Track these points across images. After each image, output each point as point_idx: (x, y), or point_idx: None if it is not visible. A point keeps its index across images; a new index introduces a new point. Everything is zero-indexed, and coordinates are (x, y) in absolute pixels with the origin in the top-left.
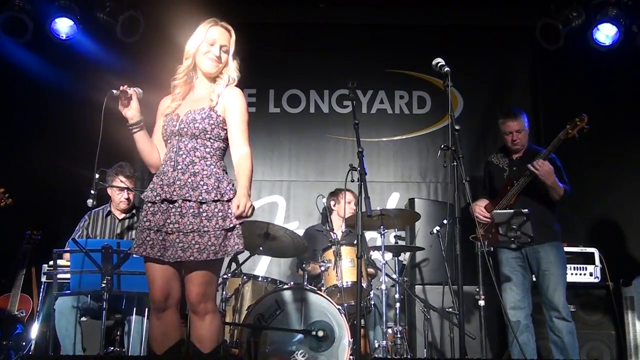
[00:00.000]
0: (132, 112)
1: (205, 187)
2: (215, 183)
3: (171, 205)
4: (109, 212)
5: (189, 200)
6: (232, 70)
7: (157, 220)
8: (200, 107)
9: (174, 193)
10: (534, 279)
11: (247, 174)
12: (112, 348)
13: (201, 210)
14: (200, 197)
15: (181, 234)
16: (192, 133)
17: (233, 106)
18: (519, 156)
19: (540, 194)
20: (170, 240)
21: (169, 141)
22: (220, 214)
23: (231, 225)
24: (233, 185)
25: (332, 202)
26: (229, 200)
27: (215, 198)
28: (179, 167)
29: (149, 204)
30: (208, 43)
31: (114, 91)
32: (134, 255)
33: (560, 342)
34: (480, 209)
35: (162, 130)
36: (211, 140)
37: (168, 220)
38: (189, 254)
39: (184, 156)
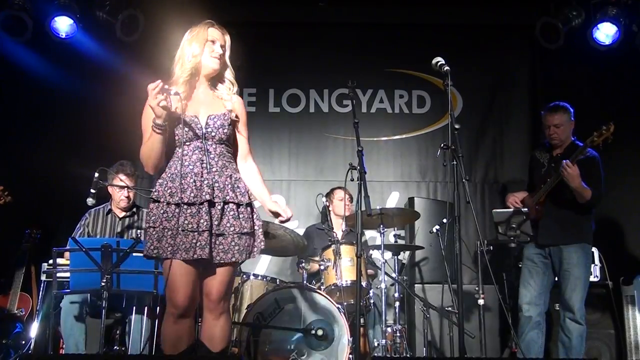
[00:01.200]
0: (166, 112)
1: (239, 189)
2: (244, 186)
3: (210, 207)
4: (110, 211)
5: (229, 202)
6: (229, 72)
7: (198, 222)
8: (221, 112)
9: (215, 195)
10: (557, 279)
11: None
12: (112, 347)
13: (239, 212)
14: (237, 199)
15: (221, 237)
16: (220, 138)
17: (242, 116)
18: (559, 152)
19: (571, 194)
20: (213, 242)
21: (188, 143)
22: (251, 215)
23: (256, 228)
24: None
25: (328, 203)
26: (252, 203)
27: (247, 201)
28: (214, 169)
29: (184, 206)
30: (210, 41)
31: (173, 91)
32: (136, 255)
33: (568, 343)
34: (515, 199)
35: (181, 132)
36: (231, 146)
37: (210, 222)
38: (230, 255)
39: (216, 159)
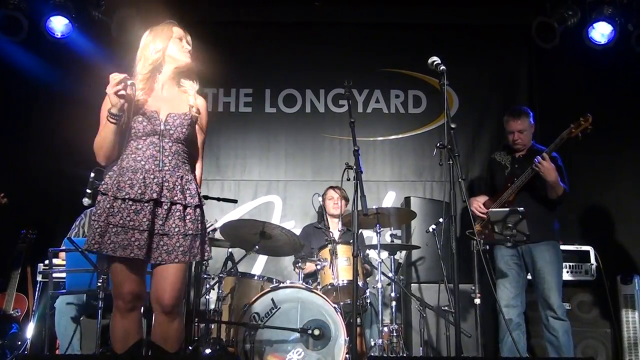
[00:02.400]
0: (122, 103)
1: (189, 191)
2: (195, 188)
3: (156, 206)
4: None
5: (176, 203)
6: (193, 70)
7: (141, 220)
8: (182, 112)
9: (162, 194)
10: (529, 277)
11: None
12: (108, 347)
13: (185, 213)
14: (186, 201)
15: (166, 237)
16: (177, 137)
17: (203, 118)
18: (521, 154)
19: (539, 192)
20: (155, 242)
21: (144, 138)
22: (199, 218)
23: (206, 231)
24: None
25: (323, 193)
26: (200, 205)
27: (197, 203)
28: (166, 168)
29: (129, 202)
30: (177, 38)
31: (130, 81)
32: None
33: (555, 341)
34: (478, 204)
35: (139, 126)
36: (189, 147)
37: (153, 221)
38: (173, 256)
39: (169, 157)
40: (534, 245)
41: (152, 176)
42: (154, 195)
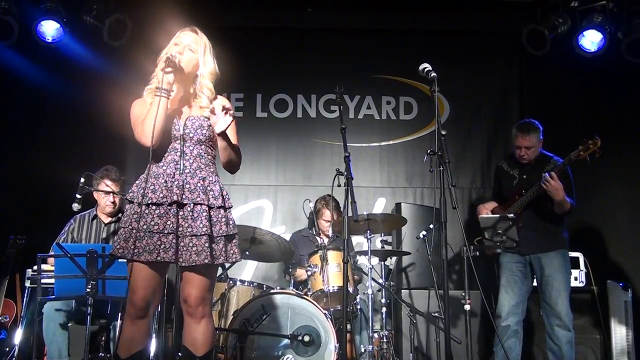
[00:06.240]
0: (172, 77)
1: (212, 192)
2: (219, 190)
3: (180, 209)
4: (95, 216)
5: (200, 204)
6: (209, 72)
7: (164, 223)
8: (202, 114)
9: (184, 196)
10: (535, 284)
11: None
12: (97, 353)
13: (210, 214)
14: (209, 202)
15: (194, 238)
16: (198, 139)
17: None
18: (529, 164)
19: (548, 204)
20: (184, 244)
21: (166, 142)
22: (223, 220)
23: (232, 233)
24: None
25: (317, 209)
26: (229, 208)
27: (221, 204)
28: (187, 171)
29: (152, 207)
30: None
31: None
32: (121, 260)
33: (558, 351)
34: (486, 210)
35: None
36: (212, 148)
37: (177, 224)
38: (202, 257)
39: (190, 161)
40: (543, 254)
41: (173, 179)
42: (175, 198)
